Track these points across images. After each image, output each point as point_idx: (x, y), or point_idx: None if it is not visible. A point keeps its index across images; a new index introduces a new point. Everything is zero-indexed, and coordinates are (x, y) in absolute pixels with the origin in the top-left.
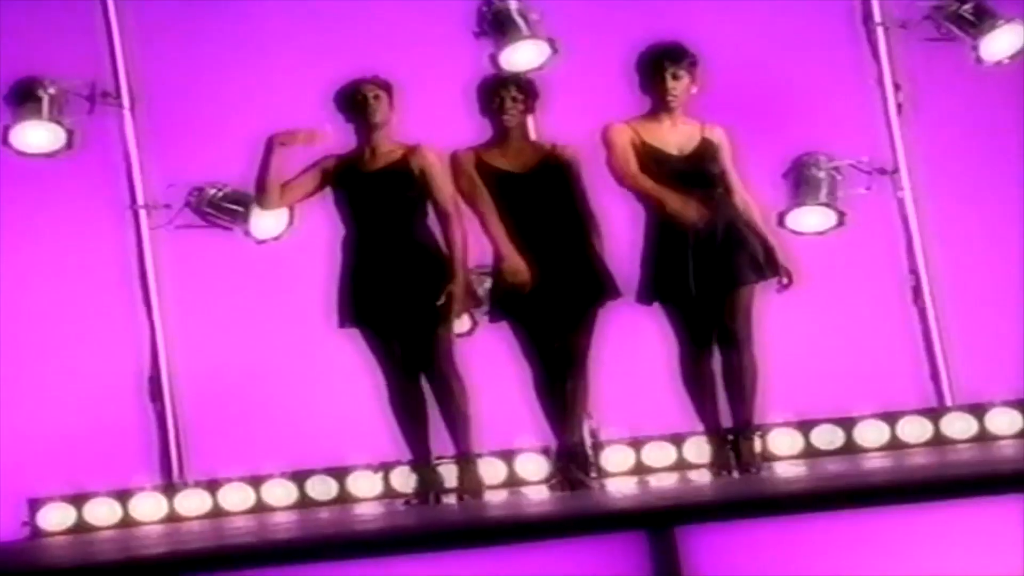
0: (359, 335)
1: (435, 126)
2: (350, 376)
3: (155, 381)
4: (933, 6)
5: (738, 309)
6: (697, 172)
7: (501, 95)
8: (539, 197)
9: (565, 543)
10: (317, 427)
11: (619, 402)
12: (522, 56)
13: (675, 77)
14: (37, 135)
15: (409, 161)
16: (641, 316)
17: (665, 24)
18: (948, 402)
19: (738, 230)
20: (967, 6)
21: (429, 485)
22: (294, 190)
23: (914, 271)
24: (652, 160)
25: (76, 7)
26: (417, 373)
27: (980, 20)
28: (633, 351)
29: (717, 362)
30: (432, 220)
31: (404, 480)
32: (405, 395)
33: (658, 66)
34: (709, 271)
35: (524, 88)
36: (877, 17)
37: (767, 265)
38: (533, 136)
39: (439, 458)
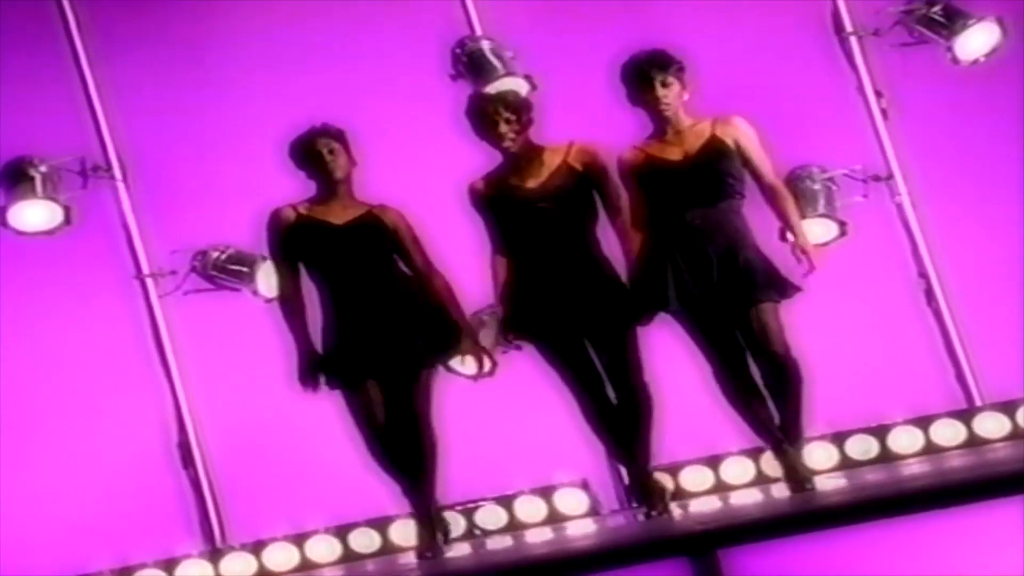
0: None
1: (423, 170)
2: None
3: (185, 447)
4: (902, 11)
5: (762, 326)
6: (701, 175)
7: (495, 119)
8: (552, 217)
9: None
10: (353, 478)
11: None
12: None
13: (664, 84)
14: (34, 214)
15: (379, 216)
16: (669, 333)
17: (643, 42)
18: (977, 402)
19: (736, 250)
20: (935, 8)
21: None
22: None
23: (923, 274)
24: (651, 175)
25: (59, 83)
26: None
27: (951, 21)
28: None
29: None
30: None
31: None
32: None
33: (645, 76)
34: (704, 285)
35: (514, 107)
36: (848, 27)
37: (772, 285)
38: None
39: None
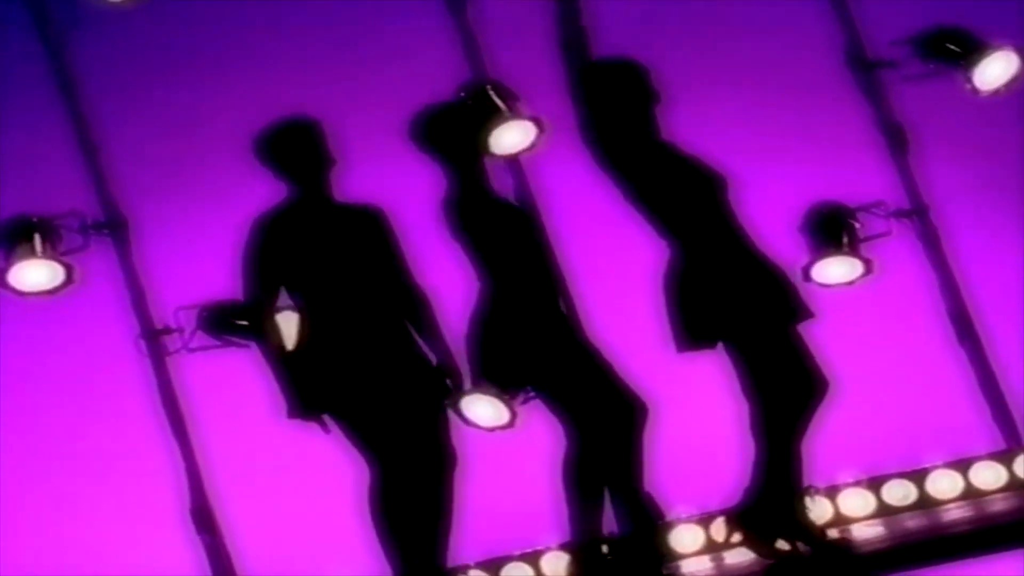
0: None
1: None
2: None
3: (199, 512)
4: (916, 43)
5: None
6: None
7: None
8: None
9: None
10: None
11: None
12: (509, 139)
13: None
14: (35, 274)
15: (375, 212)
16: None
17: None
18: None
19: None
20: (950, 39)
21: None
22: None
23: (955, 311)
24: None
25: (57, 138)
26: None
27: (967, 51)
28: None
29: None
30: None
31: None
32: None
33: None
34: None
35: None
36: (864, 58)
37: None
38: None
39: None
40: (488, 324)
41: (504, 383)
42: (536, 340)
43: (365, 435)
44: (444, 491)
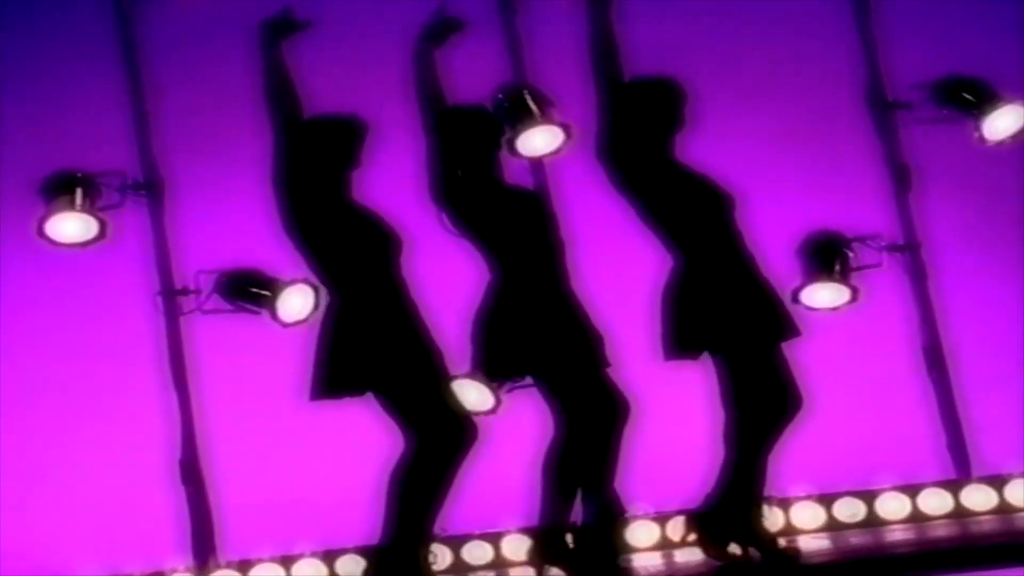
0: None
1: None
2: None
3: (187, 465)
4: (934, 87)
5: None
6: None
7: None
8: None
9: None
10: (349, 505)
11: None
12: (537, 141)
13: None
14: (71, 226)
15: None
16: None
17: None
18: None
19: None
20: (966, 88)
21: None
22: None
23: (929, 344)
24: None
25: (110, 98)
26: None
27: (981, 101)
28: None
29: None
30: None
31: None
32: None
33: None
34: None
35: None
36: (884, 99)
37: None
38: None
39: None
40: (492, 312)
41: (502, 371)
42: (539, 330)
43: (409, 410)
44: (458, 465)
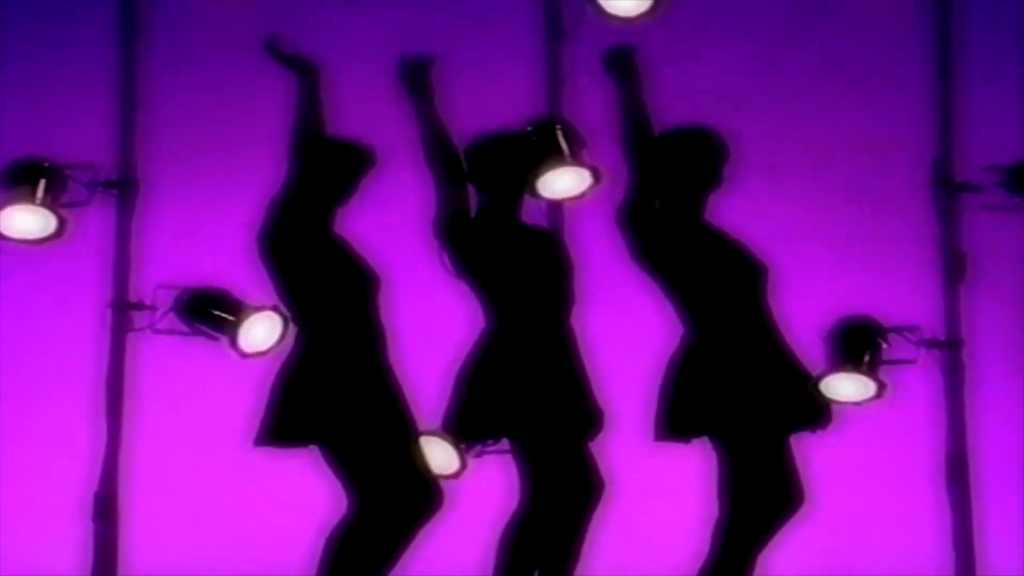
0: None
1: None
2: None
3: (103, 499)
4: (1008, 171)
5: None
6: None
7: None
8: None
9: None
10: (278, 567)
11: None
12: (562, 183)
13: None
14: (26, 220)
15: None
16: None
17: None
18: None
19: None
20: None
21: None
22: None
23: (954, 453)
24: None
25: (95, 88)
26: None
27: None
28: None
29: None
30: None
31: None
32: None
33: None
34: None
35: None
36: (951, 180)
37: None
38: None
39: None
40: (480, 364)
41: (477, 430)
42: (527, 388)
43: (358, 467)
44: (410, 534)
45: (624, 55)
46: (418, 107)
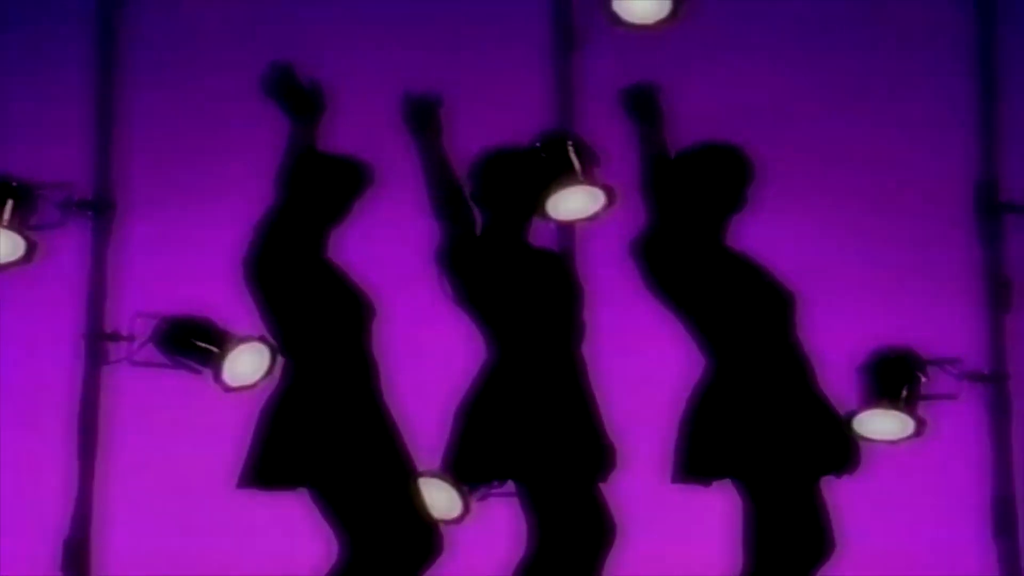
0: None
1: None
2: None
3: (74, 545)
4: None
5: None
6: None
7: None
8: None
9: None
10: None
11: None
12: (573, 203)
13: None
14: None
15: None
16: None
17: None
18: None
19: None
20: None
21: None
22: None
23: (1002, 499)
24: None
25: (71, 104)
26: None
27: None
28: None
29: None
30: None
31: None
32: None
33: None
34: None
35: None
36: (997, 200)
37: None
38: None
39: None
40: (481, 399)
41: (480, 472)
42: (533, 426)
43: (351, 512)
44: None
45: (645, 94)
46: (424, 148)
